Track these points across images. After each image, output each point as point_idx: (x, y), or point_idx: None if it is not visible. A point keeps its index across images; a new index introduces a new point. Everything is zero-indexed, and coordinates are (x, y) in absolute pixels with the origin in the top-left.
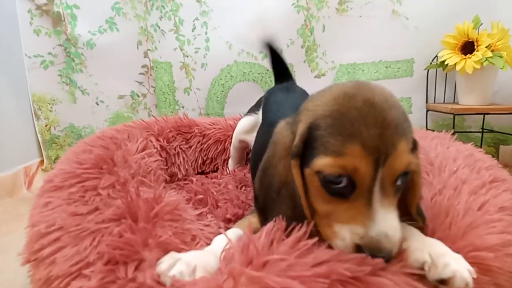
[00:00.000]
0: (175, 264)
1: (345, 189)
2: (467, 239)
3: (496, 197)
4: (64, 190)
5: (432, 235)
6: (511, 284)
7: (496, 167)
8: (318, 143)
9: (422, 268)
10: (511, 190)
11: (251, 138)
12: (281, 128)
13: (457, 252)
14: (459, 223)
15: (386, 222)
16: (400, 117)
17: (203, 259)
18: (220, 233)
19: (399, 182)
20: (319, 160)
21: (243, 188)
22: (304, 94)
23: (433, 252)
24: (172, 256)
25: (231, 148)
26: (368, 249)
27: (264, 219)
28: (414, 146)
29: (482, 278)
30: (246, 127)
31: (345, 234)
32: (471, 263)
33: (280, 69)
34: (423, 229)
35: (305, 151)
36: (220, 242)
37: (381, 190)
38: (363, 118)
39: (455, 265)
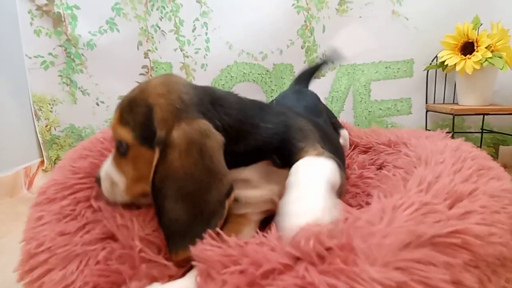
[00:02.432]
0: None
1: None
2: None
3: (486, 184)
4: (56, 203)
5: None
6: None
7: (480, 156)
8: None
9: None
10: (497, 178)
11: None
12: None
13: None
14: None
15: (107, 161)
16: (129, 97)
17: None
18: None
19: (117, 143)
20: None
21: None
22: (314, 96)
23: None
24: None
25: None
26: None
27: None
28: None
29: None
30: None
31: None
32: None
33: (308, 79)
34: None
35: None
36: None
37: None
38: None
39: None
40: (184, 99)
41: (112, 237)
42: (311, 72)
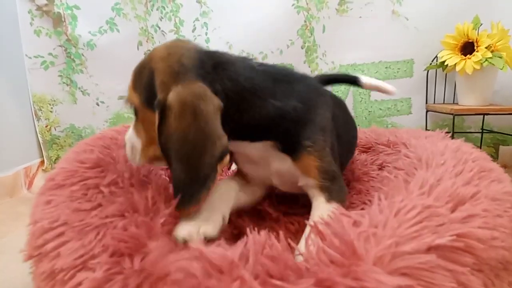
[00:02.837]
0: (185, 227)
1: None
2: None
3: (487, 186)
4: (66, 188)
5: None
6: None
7: (481, 158)
8: None
9: None
10: (498, 180)
11: None
12: None
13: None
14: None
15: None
16: (140, 64)
17: (208, 222)
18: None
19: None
20: None
21: None
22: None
23: None
24: (184, 221)
25: None
26: None
27: None
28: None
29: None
30: None
31: None
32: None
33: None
34: None
35: None
36: (222, 193)
37: None
38: None
39: None
40: (184, 62)
41: (128, 212)
42: (327, 80)
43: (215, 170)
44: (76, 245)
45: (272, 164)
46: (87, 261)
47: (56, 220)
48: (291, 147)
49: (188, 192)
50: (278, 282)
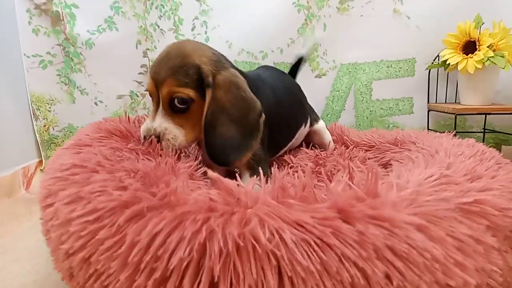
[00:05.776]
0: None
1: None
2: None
3: (506, 174)
4: (94, 147)
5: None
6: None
7: (497, 154)
8: None
9: None
10: None
11: None
12: None
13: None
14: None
15: (156, 121)
16: (176, 64)
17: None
18: None
19: (177, 103)
20: None
21: None
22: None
23: None
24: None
25: None
26: (143, 132)
27: None
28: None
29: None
30: None
31: (142, 126)
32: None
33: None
34: None
35: None
36: None
37: (162, 105)
38: (156, 61)
39: None
40: (215, 53)
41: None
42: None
43: (258, 123)
44: (107, 176)
45: None
46: (116, 188)
47: (88, 160)
48: None
49: (243, 145)
50: (293, 201)
